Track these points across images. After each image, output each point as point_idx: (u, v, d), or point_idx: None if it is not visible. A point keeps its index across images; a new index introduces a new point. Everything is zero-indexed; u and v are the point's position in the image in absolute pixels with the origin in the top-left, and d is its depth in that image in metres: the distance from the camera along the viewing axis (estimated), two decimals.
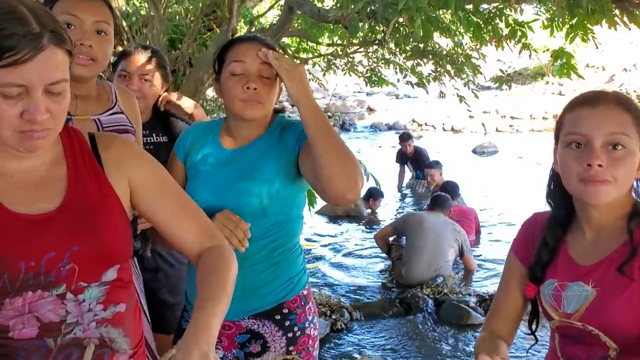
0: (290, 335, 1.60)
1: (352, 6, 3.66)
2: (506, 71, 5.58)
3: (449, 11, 3.98)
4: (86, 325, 1.07)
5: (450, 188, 6.12)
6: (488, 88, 14.45)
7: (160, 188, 1.20)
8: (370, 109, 19.20)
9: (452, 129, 14.45)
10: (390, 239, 5.22)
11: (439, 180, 7.13)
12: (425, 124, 14.82)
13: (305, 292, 1.65)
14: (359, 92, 22.23)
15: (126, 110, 1.77)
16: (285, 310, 1.60)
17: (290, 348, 1.60)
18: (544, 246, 1.29)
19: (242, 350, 1.60)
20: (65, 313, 1.05)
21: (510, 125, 14.50)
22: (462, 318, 4.07)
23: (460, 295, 4.36)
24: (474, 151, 11.31)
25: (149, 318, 1.89)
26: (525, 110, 16.39)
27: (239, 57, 1.53)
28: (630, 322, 1.15)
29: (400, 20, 3.80)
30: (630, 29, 3.43)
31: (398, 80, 6.30)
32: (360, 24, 4.23)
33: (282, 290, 1.60)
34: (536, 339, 1.39)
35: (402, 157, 8.39)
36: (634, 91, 19.54)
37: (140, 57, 2.21)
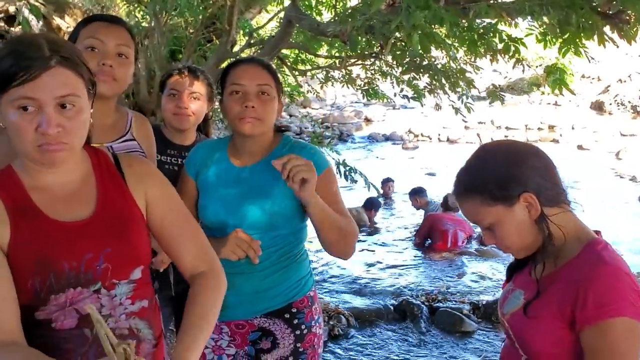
0: (298, 332, 1.73)
1: (351, 21, 3.78)
2: (499, 86, 5.70)
3: (444, 27, 4.11)
4: (117, 317, 1.22)
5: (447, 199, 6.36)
6: (484, 98, 14.56)
7: (168, 206, 1.34)
8: (367, 120, 19.32)
9: (448, 140, 14.58)
10: None
11: (423, 202, 7.17)
12: (422, 135, 14.95)
13: (311, 294, 1.79)
14: (356, 102, 22.37)
15: (139, 137, 1.83)
16: (294, 310, 1.73)
17: (298, 345, 1.73)
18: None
19: (254, 347, 1.74)
20: (100, 306, 1.20)
21: (505, 136, 14.61)
22: (456, 325, 4.17)
23: (454, 303, 4.46)
24: None
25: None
26: (520, 120, 16.53)
27: (237, 80, 1.66)
28: (537, 343, 1.22)
29: (398, 35, 3.92)
30: (618, 46, 3.54)
31: (395, 94, 6.42)
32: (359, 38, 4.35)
33: (290, 292, 1.73)
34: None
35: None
36: (629, 102, 19.73)
37: (189, 76, 2.23)
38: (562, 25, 3.57)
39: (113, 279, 1.21)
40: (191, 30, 6.87)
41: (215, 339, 1.77)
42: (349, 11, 4.40)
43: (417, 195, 7.20)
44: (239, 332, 1.74)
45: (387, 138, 14.87)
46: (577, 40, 3.99)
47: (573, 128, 15.77)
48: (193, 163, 1.79)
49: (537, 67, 5.05)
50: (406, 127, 15.39)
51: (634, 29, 3.70)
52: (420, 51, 4.04)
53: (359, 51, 5.17)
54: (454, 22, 3.81)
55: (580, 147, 12.98)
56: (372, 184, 4.22)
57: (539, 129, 15.92)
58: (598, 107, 20.87)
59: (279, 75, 1.77)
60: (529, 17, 5.01)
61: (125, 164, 1.32)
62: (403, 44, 4.94)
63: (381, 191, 8.08)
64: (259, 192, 1.67)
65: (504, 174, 1.24)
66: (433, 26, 4.05)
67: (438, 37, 3.97)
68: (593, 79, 24.23)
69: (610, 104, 20.38)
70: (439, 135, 14.80)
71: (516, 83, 26.27)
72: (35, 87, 1.09)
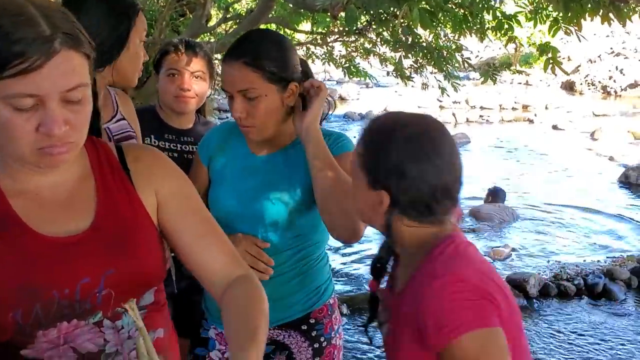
0: (316, 346, 1.54)
1: None
2: (493, 64, 5.58)
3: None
4: (126, 354, 0.98)
5: None
6: (458, 77, 14.55)
7: (187, 205, 1.10)
8: (342, 98, 19.14)
9: None
10: None
11: None
12: None
13: (331, 301, 1.60)
14: (329, 80, 22.16)
15: (127, 115, 1.68)
16: (312, 320, 1.54)
17: (317, 359, 1.54)
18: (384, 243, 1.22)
19: None
20: (104, 342, 0.96)
21: (480, 116, 14.63)
22: None
23: None
24: None
25: None
26: (494, 100, 16.56)
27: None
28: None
29: (394, 10, 3.74)
30: (624, 25, 3.44)
31: (388, 73, 6.26)
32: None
33: (309, 300, 1.53)
34: (370, 340, 1.38)
35: None
36: (599, 82, 19.96)
37: (188, 53, 1.98)
38: (567, 3, 3.44)
39: (117, 307, 0.96)
40: (163, 4, 6.56)
41: (222, 351, 1.57)
42: None
43: None
44: None
45: (363, 117, 14.71)
46: (578, 18, 3.90)
47: (547, 108, 15.87)
48: (206, 147, 1.58)
49: (529, 45, 4.92)
50: (382, 106, 15.24)
51: (630, 9, 3.62)
52: (421, 26, 3.87)
53: (354, 27, 4.97)
54: None
55: (555, 127, 13.04)
56: None
57: (513, 108, 15.97)
58: (569, 87, 21.08)
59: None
60: None
61: (130, 158, 1.06)
62: (399, 20, 4.77)
63: None
64: (280, 181, 1.47)
65: None
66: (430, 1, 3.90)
67: (439, 13, 3.81)
68: (564, 59, 24.41)
69: (581, 84, 20.60)
70: None
71: (488, 62, 26.43)
72: (36, 81, 0.83)
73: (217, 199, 1.50)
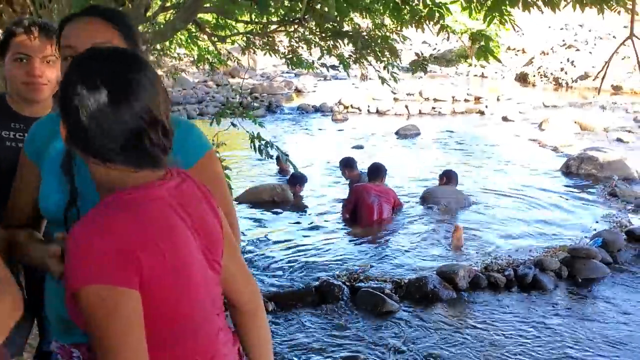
0: None
1: None
2: (422, 54, 5.51)
3: None
4: None
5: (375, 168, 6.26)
6: (397, 68, 14.48)
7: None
8: (298, 90, 19.00)
9: (377, 112, 14.47)
10: None
11: (354, 175, 6.93)
12: (351, 107, 14.76)
13: None
14: (287, 72, 21.96)
15: None
16: None
17: None
18: None
19: None
20: None
21: (433, 108, 14.67)
22: (377, 306, 3.99)
23: (376, 283, 4.27)
24: (397, 134, 11.36)
25: None
26: (448, 92, 16.65)
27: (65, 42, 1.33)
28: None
29: None
30: (542, 12, 3.40)
31: (323, 64, 6.14)
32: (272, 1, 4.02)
33: None
34: None
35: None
36: (551, 74, 20.29)
37: (41, 36, 1.78)
38: None
39: None
40: None
41: None
42: None
43: (346, 167, 6.96)
44: (92, 356, 1.39)
45: (316, 109, 14.60)
46: (503, 6, 3.85)
47: (498, 99, 16.03)
48: (32, 141, 1.42)
49: (462, 33, 4.85)
50: (336, 99, 15.16)
51: None
52: (337, 14, 3.76)
53: (273, 16, 4.83)
54: None
55: (505, 119, 13.16)
56: (291, 162, 3.95)
57: (466, 100, 16.08)
58: (522, 78, 21.38)
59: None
60: None
61: None
62: (324, 9, 4.65)
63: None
64: None
65: None
66: None
67: (356, 0, 3.70)
68: (518, 51, 24.78)
69: (534, 76, 20.91)
70: (369, 107, 14.67)
71: (444, 55, 26.59)
72: None
73: (47, 196, 1.35)
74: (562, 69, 20.07)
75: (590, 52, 20.08)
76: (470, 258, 4.94)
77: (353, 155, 7.61)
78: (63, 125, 1.08)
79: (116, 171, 1.06)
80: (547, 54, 21.92)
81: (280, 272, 4.69)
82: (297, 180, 6.81)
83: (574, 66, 19.72)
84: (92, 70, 1.03)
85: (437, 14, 4.37)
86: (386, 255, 5.11)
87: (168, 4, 6.55)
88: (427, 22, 4.50)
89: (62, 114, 1.07)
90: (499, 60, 5.00)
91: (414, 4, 4.47)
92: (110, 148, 1.03)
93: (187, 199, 1.13)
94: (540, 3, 3.53)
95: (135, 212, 1.03)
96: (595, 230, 5.47)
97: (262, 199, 6.73)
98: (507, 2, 3.55)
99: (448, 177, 6.76)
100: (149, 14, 6.50)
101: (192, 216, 1.12)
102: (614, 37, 20.28)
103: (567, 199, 6.87)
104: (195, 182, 1.19)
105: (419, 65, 4.65)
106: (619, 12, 3.81)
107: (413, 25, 4.73)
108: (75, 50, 1.28)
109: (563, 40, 22.21)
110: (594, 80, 15.54)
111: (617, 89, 17.33)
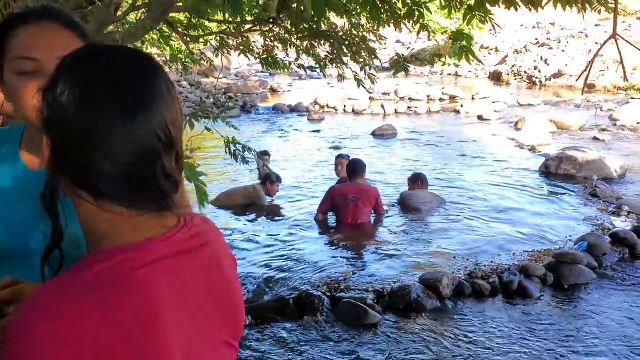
0: None
1: None
2: (402, 55, 5.37)
3: None
4: None
5: (353, 166, 6.01)
6: (388, 69, 14.45)
7: None
8: (273, 90, 18.81)
9: (354, 111, 14.34)
10: None
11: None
12: (327, 106, 14.61)
13: None
14: (261, 72, 21.71)
15: None
16: None
17: None
18: None
19: None
20: None
21: (408, 107, 14.60)
22: (360, 317, 3.83)
23: (357, 292, 4.11)
24: (374, 134, 11.23)
25: None
26: (423, 92, 16.61)
27: (26, 53, 1.09)
28: None
29: None
30: (530, 10, 3.28)
31: (300, 65, 5.97)
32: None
33: None
34: None
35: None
36: (525, 72, 20.40)
37: None
38: None
39: None
40: None
41: None
42: None
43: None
44: None
45: (292, 109, 14.42)
46: (485, 5, 3.74)
47: (473, 99, 16.04)
48: None
49: (442, 33, 4.73)
50: (312, 98, 14.99)
51: None
52: (314, 15, 3.59)
53: (247, 16, 4.63)
54: None
55: (480, 118, 13.13)
56: (265, 165, 3.76)
57: (441, 99, 16.05)
58: (496, 77, 21.47)
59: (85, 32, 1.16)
60: None
61: None
62: (301, 8, 4.47)
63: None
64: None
65: None
66: None
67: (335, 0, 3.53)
68: (492, 49, 24.91)
69: (508, 74, 21.01)
70: (345, 106, 14.55)
71: (419, 54, 26.62)
72: None
73: (18, 232, 1.14)
74: (535, 68, 20.19)
75: (563, 51, 20.24)
76: (452, 265, 4.81)
77: (331, 157, 7.45)
78: (47, 146, 0.81)
79: (108, 214, 0.79)
80: (521, 52, 22.05)
81: (256, 283, 4.49)
82: (270, 178, 6.63)
83: (548, 64, 19.86)
84: (92, 75, 0.77)
85: (416, 13, 4.24)
86: (367, 262, 4.95)
87: (139, 3, 6.31)
88: (407, 21, 4.37)
89: (46, 131, 0.80)
90: (479, 61, 4.89)
91: (392, 3, 4.35)
92: (111, 176, 0.76)
93: (202, 262, 0.86)
94: (520, 3, 3.43)
95: (105, 300, 0.74)
96: (577, 233, 5.39)
97: (237, 203, 6.53)
98: (489, 1, 3.44)
99: (422, 181, 6.63)
100: (119, 13, 6.26)
101: (203, 287, 0.85)
102: (586, 35, 20.48)
103: (547, 201, 6.79)
104: (218, 235, 0.93)
105: (401, 66, 4.49)
106: (599, 12, 3.72)
107: (391, 24, 4.60)
108: (39, 64, 1.08)
109: (536, 39, 22.36)
110: (577, 80, 15.63)
111: (590, 87, 17.48)
